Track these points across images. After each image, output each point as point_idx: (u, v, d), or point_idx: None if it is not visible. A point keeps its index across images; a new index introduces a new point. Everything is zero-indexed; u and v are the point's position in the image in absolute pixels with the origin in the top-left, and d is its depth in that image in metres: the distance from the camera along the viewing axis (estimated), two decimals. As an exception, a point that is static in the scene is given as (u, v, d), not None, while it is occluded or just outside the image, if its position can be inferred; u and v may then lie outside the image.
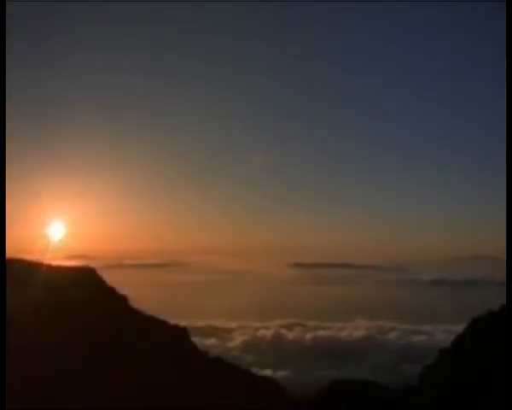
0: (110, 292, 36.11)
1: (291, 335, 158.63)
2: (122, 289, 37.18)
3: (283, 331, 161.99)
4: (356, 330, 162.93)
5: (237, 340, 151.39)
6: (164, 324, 36.29)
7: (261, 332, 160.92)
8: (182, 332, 36.30)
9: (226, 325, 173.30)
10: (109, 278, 36.81)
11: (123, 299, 35.95)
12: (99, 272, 36.56)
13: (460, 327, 34.72)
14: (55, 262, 37.14)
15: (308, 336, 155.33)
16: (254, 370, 42.19)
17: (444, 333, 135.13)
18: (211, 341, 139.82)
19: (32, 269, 34.40)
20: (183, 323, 36.46)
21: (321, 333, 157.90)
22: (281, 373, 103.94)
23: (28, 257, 36.60)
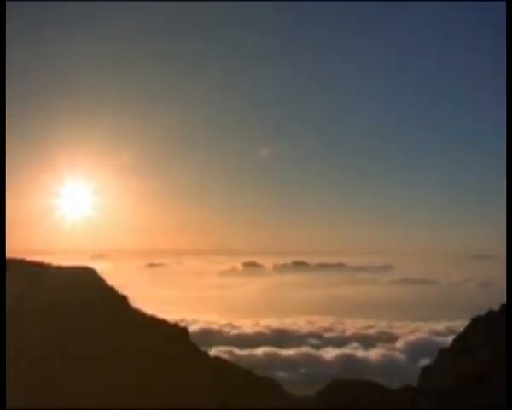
0: (110, 292, 36.13)
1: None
2: (122, 289, 37.20)
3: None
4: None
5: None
6: (164, 324, 36.29)
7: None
8: (182, 332, 36.30)
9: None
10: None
11: (123, 299, 35.98)
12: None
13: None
14: (55, 262, 37.17)
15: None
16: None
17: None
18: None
19: (32, 269, 34.42)
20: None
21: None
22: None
23: (30, 256, 36.68)
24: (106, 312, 32.71)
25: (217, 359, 37.31)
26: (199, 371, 32.74)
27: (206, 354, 36.62)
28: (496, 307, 31.72)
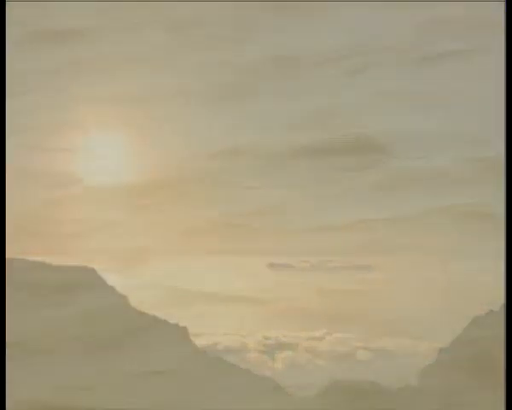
0: (110, 292, 36.16)
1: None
2: (122, 289, 37.19)
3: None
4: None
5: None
6: (164, 324, 36.29)
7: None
8: (182, 332, 36.29)
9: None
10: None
11: (123, 299, 36.00)
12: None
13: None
14: (55, 262, 37.24)
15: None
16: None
17: None
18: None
19: (32, 269, 34.43)
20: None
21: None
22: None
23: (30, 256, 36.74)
24: (106, 311, 32.73)
25: (216, 359, 37.28)
26: (199, 370, 32.71)
27: (206, 354, 36.61)
28: (496, 307, 31.72)
